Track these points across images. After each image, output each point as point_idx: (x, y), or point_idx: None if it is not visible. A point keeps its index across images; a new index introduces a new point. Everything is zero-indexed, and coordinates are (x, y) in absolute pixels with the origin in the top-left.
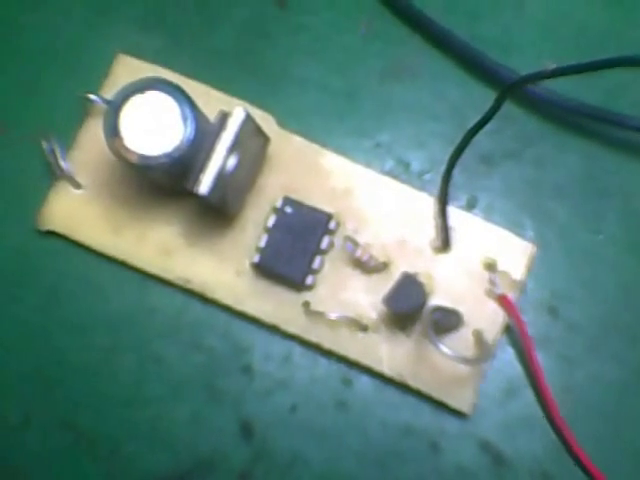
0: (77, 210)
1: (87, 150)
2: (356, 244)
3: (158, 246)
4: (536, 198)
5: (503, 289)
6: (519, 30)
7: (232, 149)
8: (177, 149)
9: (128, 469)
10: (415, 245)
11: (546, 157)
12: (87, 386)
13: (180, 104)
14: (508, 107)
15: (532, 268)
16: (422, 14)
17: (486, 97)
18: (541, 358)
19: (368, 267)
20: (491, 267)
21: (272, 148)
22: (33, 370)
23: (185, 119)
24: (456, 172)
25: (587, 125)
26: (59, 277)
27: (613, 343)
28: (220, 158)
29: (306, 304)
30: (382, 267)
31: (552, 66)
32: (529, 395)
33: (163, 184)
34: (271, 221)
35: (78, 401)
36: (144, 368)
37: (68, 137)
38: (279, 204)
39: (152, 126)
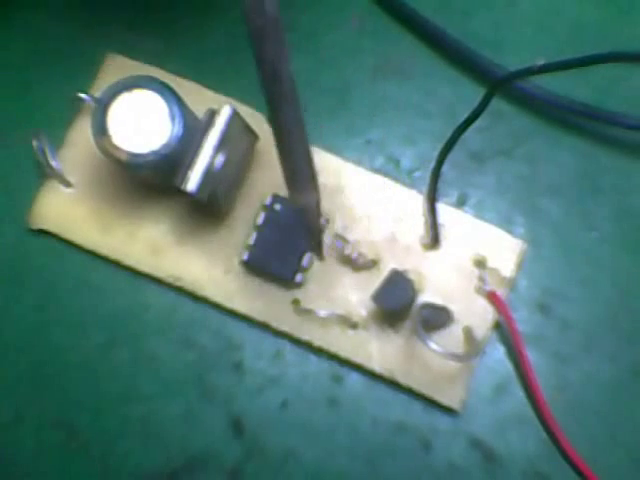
0: (67, 209)
1: (77, 149)
2: (345, 241)
3: (148, 244)
4: (528, 195)
5: (493, 286)
6: (511, 28)
7: (219, 147)
8: (165, 147)
9: (120, 466)
10: (405, 242)
11: (538, 154)
12: (80, 383)
13: (168, 102)
14: (499, 104)
15: (523, 265)
16: (414, 12)
17: (477, 95)
18: (534, 356)
19: (357, 264)
20: (481, 264)
21: (262, 146)
22: (26, 367)
23: (173, 117)
24: (447, 169)
25: (579, 122)
26: (52, 275)
27: (607, 341)
28: (208, 156)
29: (296, 302)
30: (371, 264)
31: (541, 62)
32: (520, 392)
33: (152, 182)
34: (260, 219)
35: (71, 398)
36: (136, 366)
37: (58, 136)
38: (268, 202)
39: (140, 124)
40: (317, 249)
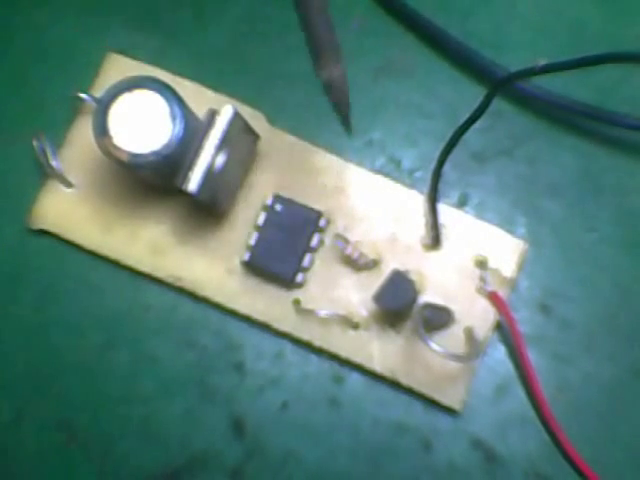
0: (68, 209)
1: (78, 149)
2: (346, 241)
3: (149, 244)
4: (529, 196)
5: (494, 286)
6: (512, 28)
7: (220, 147)
8: (166, 147)
9: (121, 466)
10: (406, 242)
11: (539, 154)
12: (80, 384)
13: (169, 102)
14: (501, 104)
15: (524, 266)
16: (415, 12)
17: (478, 95)
18: (534, 356)
19: (358, 264)
20: (482, 264)
21: (262, 146)
22: (26, 368)
23: (174, 117)
24: (448, 169)
25: (581, 123)
26: (52, 276)
27: (607, 342)
28: (208, 156)
29: (297, 302)
30: (372, 264)
31: (542, 63)
32: (520, 393)
33: (153, 183)
34: (261, 219)
35: (71, 399)
36: (137, 366)
37: (59, 136)
38: (269, 202)
39: (141, 124)
40: (345, 122)
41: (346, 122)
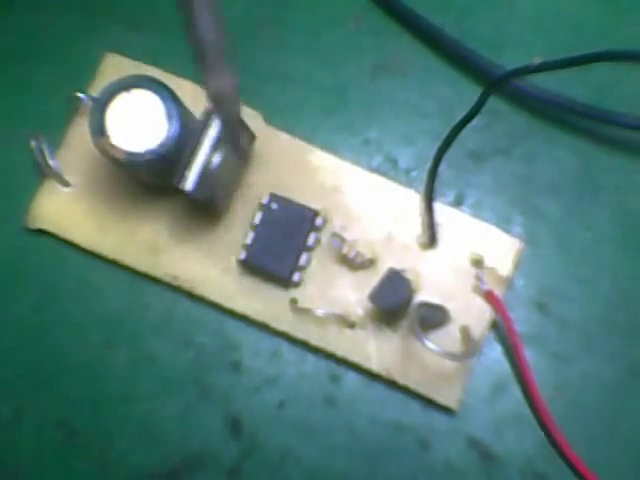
0: (66, 208)
1: (75, 148)
2: (343, 240)
3: (146, 244)
4: (526, 194)
5: (490, 285)
6: (510, 27)
7: (217, 146)
8: (162, 146)
9: (119, 465)
10: (402, 242)
11: (536, 153)
12: (79, 383)
13: (165, 101)
14: (497, 103)
15: (521, 264)
16: (412, 11)
17: (475, 94)
18: (532, 356)
19: (355, 264)
20: (478, 263)
21: (259, 145)
22: (25, 367)
23: (170, 116)
24: (444, 168)
25: (577, 121)
26: (50, 275)
27: (605, 341)
28: (205, 154)
29: (293, 301)
30: (369, 264)
31: (538, 61)
32: (517, 392)
33: (150, 181)
34: (258, 218)
35: (70, 398)
36: (135, 365)
37: (57, 135)
38: (266, 201)
39: (137, 123)
40: (235, 144)
41: (236, 145)
